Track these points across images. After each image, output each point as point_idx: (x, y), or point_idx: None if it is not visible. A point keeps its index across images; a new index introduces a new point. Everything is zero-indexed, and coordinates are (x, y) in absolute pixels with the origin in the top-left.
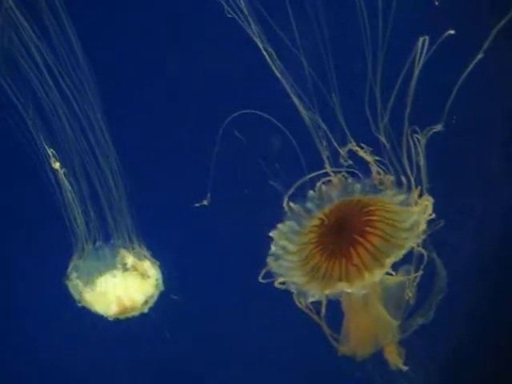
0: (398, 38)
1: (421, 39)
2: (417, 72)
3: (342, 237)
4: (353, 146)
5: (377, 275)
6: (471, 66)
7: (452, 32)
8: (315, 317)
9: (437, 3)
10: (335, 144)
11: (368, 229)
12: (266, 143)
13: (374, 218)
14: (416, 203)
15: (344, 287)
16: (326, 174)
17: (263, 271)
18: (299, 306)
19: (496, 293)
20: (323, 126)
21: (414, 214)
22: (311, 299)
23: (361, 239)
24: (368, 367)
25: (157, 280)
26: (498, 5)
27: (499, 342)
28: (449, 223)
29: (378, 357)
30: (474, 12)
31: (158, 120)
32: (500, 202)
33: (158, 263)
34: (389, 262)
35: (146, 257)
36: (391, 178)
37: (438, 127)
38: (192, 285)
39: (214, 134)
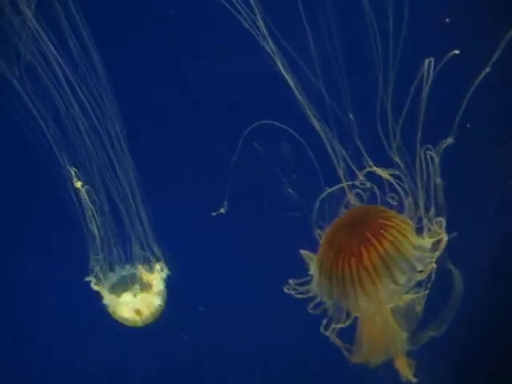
0: (408, 55)
1: (426, 61)
2: (425, 93)
3: (353, 232)
4: (370, 167)
5: (391, 294)
6: (479, 80)
7: (457, 52)
8: (330, 335)
9: (448, 20)
10: (351, 165)
11: (382, 231)
12: (284, 154)
13: (389, 223)
14: (429, 230)
15: (365, 306)
16: (344, 189)
17: (287, 284)
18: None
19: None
20: (339, 147)
21: (426, 241)
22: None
23: (374, 240)
24: (380, 373)
25: (165, 277)
26: (505, 20)
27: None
28: (458, 230)
29: (389, 366)
30: (482, 27)
31: (177, 131)
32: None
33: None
34: (402, 280)
35: (158, 262)
36: (409, 199)
37: (449, 140)
38: (208, 292)
39: (233, 144)
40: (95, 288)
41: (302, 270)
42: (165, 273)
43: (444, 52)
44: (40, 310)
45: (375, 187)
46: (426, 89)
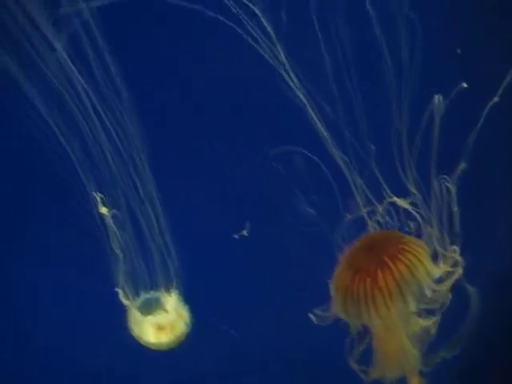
0: (421, 84)
1: (436, 97)
2: (437, 126)
3: (371, 255)
4: (390, 197)
5: (404, 318)
6: (488, 108)
7: (465, 85)
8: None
9: (459, 51)
10: (369, 195)
11: (399, 256)
12: (304, 176)
13: (406, 248)
14: (444, 257)
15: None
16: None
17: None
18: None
19: None
20: (359, 179)
21: (441, 268)
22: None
23: (390, 263)
24: None
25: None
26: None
27: None
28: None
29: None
30: (493, 56)
31: (199, 152)
32: None
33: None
34: (414, 305)
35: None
36: (426, 226)
37: (462, 165)
38: (232, 315)
39: (254, 165)
40: (124, 302)
41: (322, 290)
42: (180, 297)
43: (457, 80)
44: (50, 316)
45: (393, 213)
46: (437, 123)
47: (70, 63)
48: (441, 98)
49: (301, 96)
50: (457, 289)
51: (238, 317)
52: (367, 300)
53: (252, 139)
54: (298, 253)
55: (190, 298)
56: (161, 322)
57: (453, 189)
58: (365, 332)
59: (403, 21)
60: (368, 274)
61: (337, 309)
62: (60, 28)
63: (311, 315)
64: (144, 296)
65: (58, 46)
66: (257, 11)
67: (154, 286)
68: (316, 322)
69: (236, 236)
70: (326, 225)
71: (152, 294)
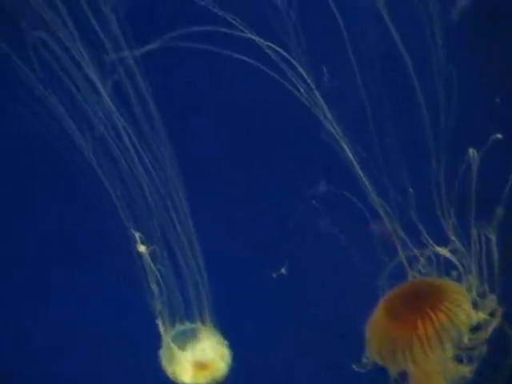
0: (459, 132)
1: (470, 150)
2: (474, 178)
3: (411, 304)
4: (432, 247)
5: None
6: None
7: (499, 136)
8: None
9: (498, 100)
10: (410, 244)
11: (441, 306)
12: (342, 215)
13: (448, 296)
14: (483, 307)
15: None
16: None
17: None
18: None
19: None
20: (398, 227)
21: (478, 317)
22: None
23: (431, 313)
24: None
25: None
26: None
27: None
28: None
29: None
30: None
31: (237, 188)
32: None
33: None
34: (451, 351)
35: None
36: (469, 276)
37: (499, 210)
38: (269, 351)
39: (295, 203)
40: (162, 334)
41: (358, 332)
42: (217, 332)
43: (492, 130)
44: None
45: (433, 261)
46: (474, 173)
47: (111, 103)
48: (475, 151)
49: (342, 143)
50: (496, 334)
51: (274, 353)
52: (404, 347)
53: (291, 180)
54: (336, 293)
55: (226, 333)
56: (198, 360)
57: (492, 237)
58: (403, 376)
59: (441, 72)
60: (407, 322)
61: (372, 355)
62: (106, 73)
63: (354, 366)
64: (179, 327)
65: (103, 89)
66: (295, 62)
67: (190, 319)
68: (356, 369)
69: (274, 275)
70: (364, 267)
71: (187, 326)
